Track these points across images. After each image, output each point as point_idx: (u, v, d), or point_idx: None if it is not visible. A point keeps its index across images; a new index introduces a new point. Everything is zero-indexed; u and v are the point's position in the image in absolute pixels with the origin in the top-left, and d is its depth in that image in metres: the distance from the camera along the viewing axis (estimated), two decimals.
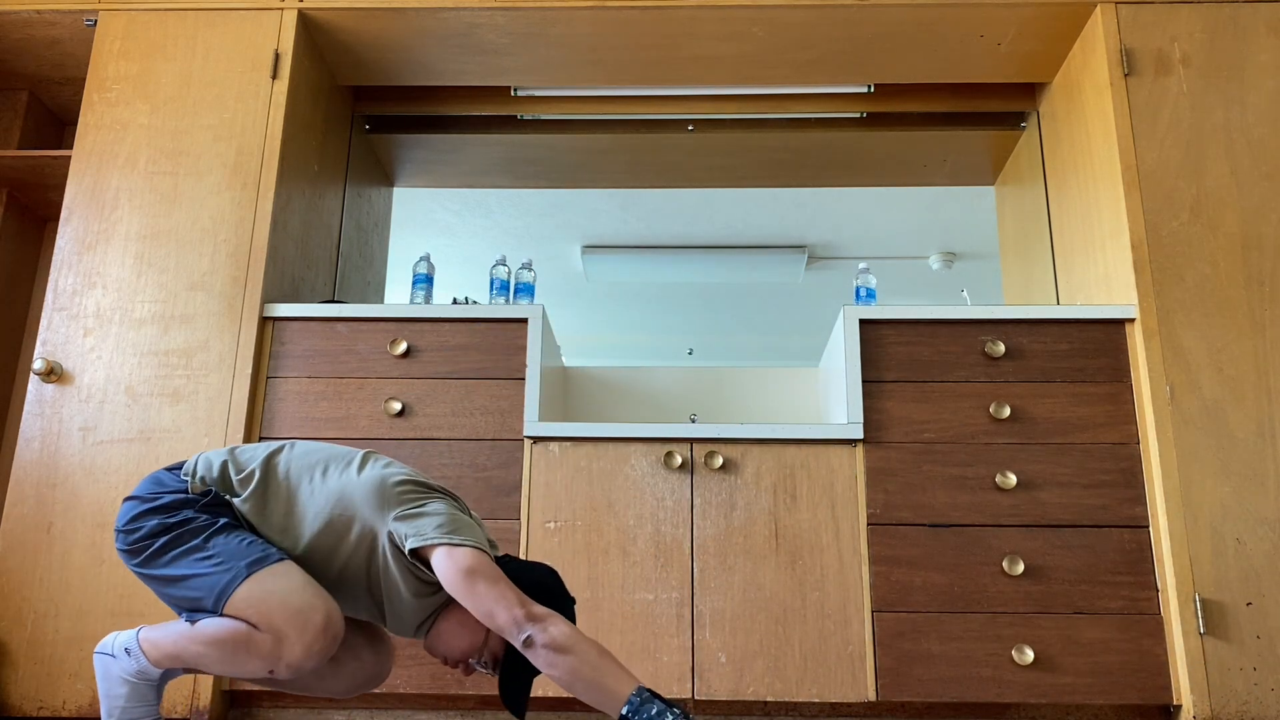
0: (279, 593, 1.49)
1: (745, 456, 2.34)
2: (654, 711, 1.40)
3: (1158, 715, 2.23)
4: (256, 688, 2.24)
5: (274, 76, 2.61)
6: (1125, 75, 2.51)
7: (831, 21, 2.66)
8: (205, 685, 2.21)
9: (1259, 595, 2.18)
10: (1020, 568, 2.24)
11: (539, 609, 1.52)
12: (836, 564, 2.27)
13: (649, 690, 1.44)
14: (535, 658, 1.47)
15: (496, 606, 1.48)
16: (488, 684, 2.22)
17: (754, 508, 2.31)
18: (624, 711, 1.41)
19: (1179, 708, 2.17)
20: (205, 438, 2.35)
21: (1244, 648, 2.15)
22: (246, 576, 1.50)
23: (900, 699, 2.19)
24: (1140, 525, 2.26)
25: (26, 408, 2.39)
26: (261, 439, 2.38)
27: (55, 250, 2.50)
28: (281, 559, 1.55)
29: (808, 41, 2.75)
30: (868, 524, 2.29)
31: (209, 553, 1.52)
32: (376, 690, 2.23)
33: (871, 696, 2.19)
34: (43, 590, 2.27)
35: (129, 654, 1.58)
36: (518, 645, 1.49)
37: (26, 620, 2.26)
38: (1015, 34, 2.71)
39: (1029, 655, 2.18)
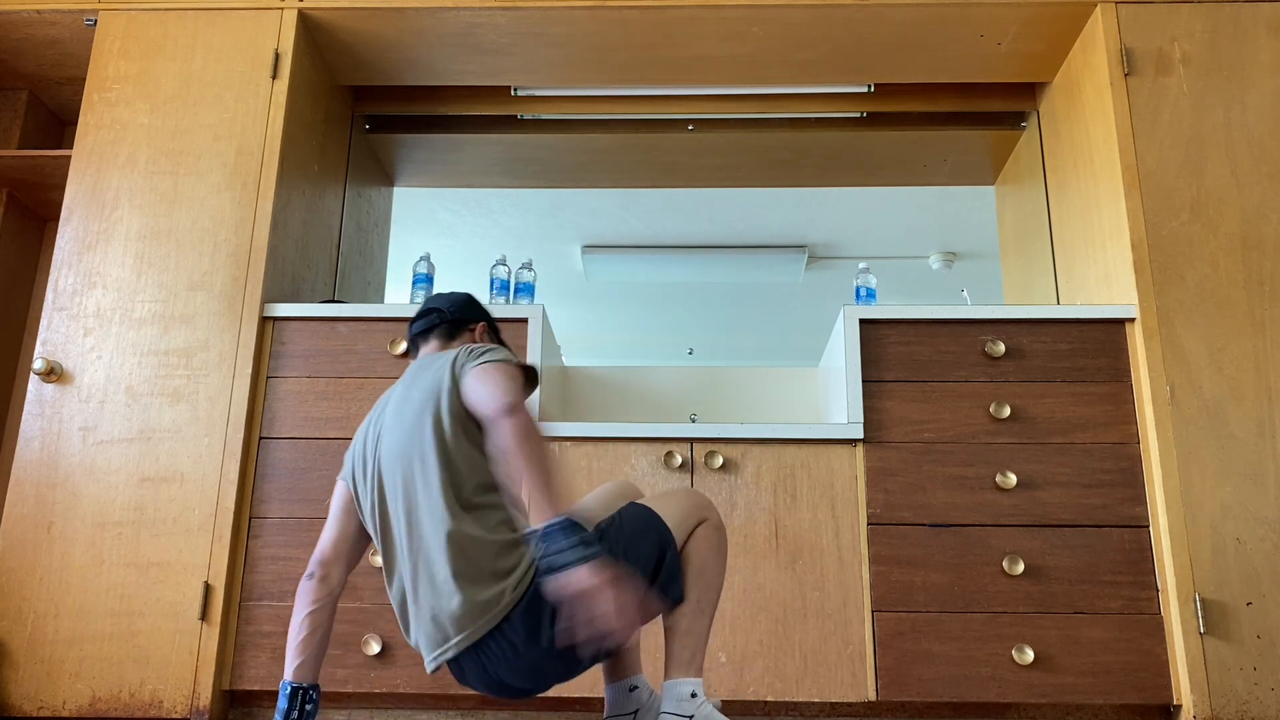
0: None
1: (745, 456, 2.34)
2: (575, 540, 1.38)
3: (1158, 715, 2.23)
4: (257, 687, 2.24)
5: (274, 76, 2.61)
6: (1125, 75, 2.51)
7: (831, 21, 2.66)
8: (205, 685, 2.21)
9: (1259, 595, 2.18)
10: (1020, 568, 2.24)
11: None
12: (836, 564, 2.27)
13: (575, 521, 1.42)
14: (504, 431, 1.45)
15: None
16: None
17: (754, 507, 2.31)
18: (545, 526, 1.40)
19: (1179, 708, 2.17)
20: (205, 437, 2.35)
21: (1244, 647, 2.15)
22: None
23: (900, 699, 2.19)
24: (1140, 525, 2.26)
25: (26, 408, 2.39)
26: (261, 439, 2.39)
27: (55, 250, 2.50)
28: None
29: (808, 41, 2.75)
30: (868, 524, 2.29)
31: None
32: (376, 690, 2.23)
33: (871, 696, 2.19)
34: (43, 590, 2.27)
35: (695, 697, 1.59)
36: (491, 417, 1.48)
37: (26, 620, 2.26)
38: (1015, 34, 2.71)
39: (1029, 655, 2.18)
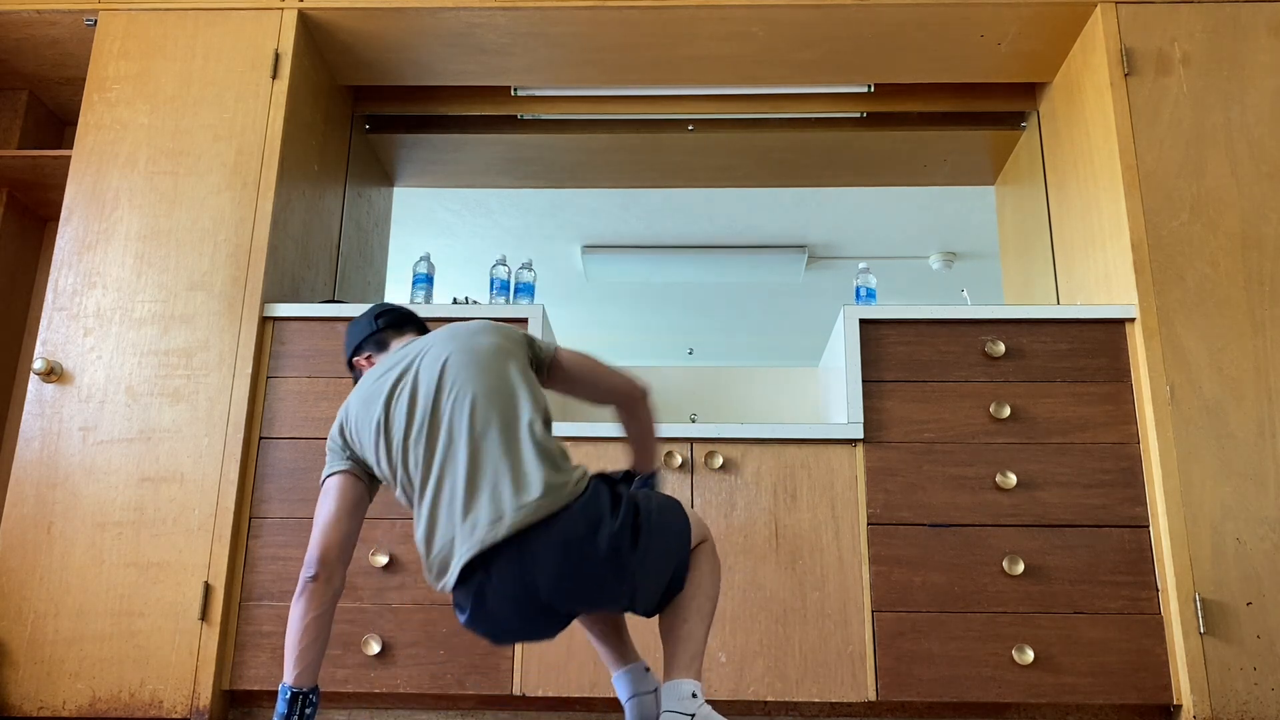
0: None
1: (745, 456, 2.34)
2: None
3: (1158, 715, 2.23)
4: (257, 687, 2.24)
5: (274, 76, 2.61)
6: (1125, 75, 2.51)
7: (832, 21, 2.66)
8: (205, 685, 2.21)
9: (1259, 595, 2.18)
10: (1020, 568, 2.24)
11: None
12: (836, 564, 2.27)
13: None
14: (646, 406, 1.86)
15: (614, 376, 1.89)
16: (487, 684, 2.22)
17: (754, 507, 2.31)
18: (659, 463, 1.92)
19: (1179, 708, 2.17)
20: (205, 437, 2.35)
21: (1244, 648, 2.15)
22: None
23: (900, 699, 2.19)
24: (1140, 525, 2.26)
25: (26, 408, 2.39)
26: (261, 439, 2.39)
27: (55, 250, 2.50)
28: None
29: (808, 41, 2.75)
30: (868, 524, 2.29)
31: None
32: (376, 690, 2.23)
33: (871, 696, 2.19)
34: (43, 590, 2.27)
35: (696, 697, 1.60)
36: (637, 396, 1.86)
37: (26, 620, 2.26)
38: (1015, 34, 2.71)
39: (1029, 655, 2.18)
